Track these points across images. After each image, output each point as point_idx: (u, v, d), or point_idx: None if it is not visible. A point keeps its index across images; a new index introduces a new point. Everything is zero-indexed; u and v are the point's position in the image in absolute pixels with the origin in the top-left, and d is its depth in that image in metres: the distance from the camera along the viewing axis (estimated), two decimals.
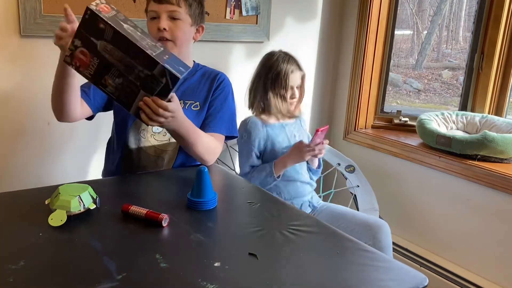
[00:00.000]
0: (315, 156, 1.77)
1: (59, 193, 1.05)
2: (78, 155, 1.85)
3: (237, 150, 2.13)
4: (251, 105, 1.89)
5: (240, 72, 2.17)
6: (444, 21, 2.70)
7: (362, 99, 2.42)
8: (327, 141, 1.78)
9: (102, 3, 1.12)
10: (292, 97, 1.82)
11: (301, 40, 2.37)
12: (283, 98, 1.80)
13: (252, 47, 2.21)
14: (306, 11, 2.35)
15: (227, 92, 1.54)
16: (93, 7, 1.09)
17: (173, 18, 1.39)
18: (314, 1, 2.37)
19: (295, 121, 1.94)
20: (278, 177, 1.76)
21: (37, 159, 1.78)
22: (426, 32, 2.75)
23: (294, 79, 1.80)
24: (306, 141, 1.84)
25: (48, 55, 1.71)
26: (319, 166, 1.94)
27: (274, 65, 1.79)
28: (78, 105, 1.35)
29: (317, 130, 1.69)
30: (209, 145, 1.44)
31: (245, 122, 1.83)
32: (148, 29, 1.42)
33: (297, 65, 1.82)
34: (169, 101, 1.19)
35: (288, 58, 1.81)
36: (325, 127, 1.74)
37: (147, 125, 1.22)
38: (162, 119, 1.19)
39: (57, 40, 1.17)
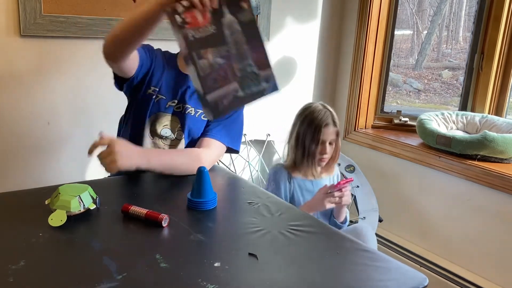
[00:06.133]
0: (336, 204, 1.65)
1: (59, 193, 1.05)
2: (78, 155, 1.85)
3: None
4: (287, 156, 1.79)
5: None
6: (444, 21, 2.70)
7: (362, 99, 2.42)
8: (348, 188, 1.66)
9: None
10: (322, 152, 1.70)
11: (301, 40, 2.37)
12: (313, 155, 1.70)
13: None
14: (306, 11, 2.35)
15: None
16: None
17: None
18: (314, 1, 2.37)
19: (328, 179, 1.80)
20: None
21: (37, 159, 1.78)
22: (426, 32, 2.75)
23: (326, 133, 1.69)
24: None
25: (48, 55, 1.72)
26: (344, 222, 1.77)
27: (308, 117, 1.70)
28: (134, 52, 1.29)
29: (338, 183, 1.62)
30: (197, 157, 1.37)
31: (274, 170, 1.76)
32: None
33: (332, 120, 1.71)
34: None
35: (324, 111, 1.71)
36: (349, 179, 1.67)
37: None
38: (106, 160, 1.19)
39: None
